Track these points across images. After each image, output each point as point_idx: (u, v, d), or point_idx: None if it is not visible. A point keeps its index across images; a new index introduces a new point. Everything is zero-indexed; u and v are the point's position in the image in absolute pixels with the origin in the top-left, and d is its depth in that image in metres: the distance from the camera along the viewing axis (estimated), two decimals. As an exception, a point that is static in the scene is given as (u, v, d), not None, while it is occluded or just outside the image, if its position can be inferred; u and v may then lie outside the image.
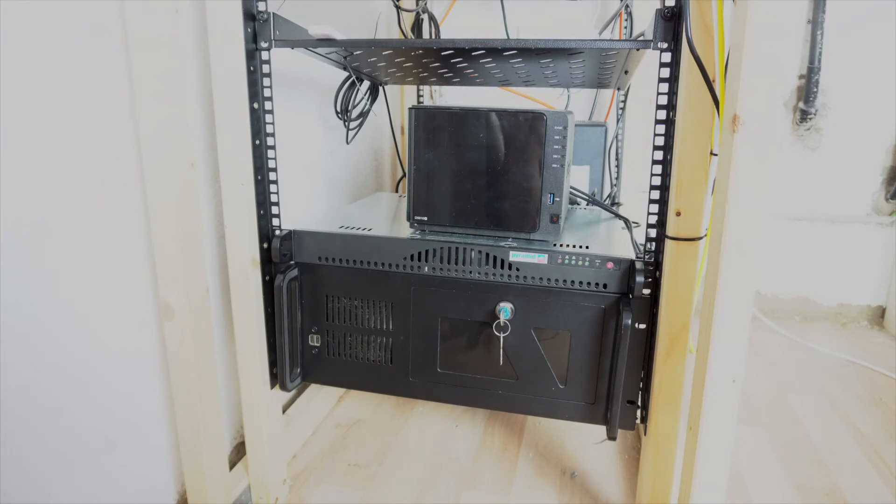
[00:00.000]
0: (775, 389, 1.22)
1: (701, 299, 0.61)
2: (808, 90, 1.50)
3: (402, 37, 1.15)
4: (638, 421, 0.75)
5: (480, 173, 0.75)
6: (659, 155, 0.66)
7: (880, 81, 1.49)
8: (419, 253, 0.76)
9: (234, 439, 0.90)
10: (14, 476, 0.56)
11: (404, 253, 0.77)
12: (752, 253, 0.55)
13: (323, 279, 0.80)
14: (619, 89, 1.16)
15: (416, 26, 1.22)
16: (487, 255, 0.74)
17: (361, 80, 1.05)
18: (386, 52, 0.76)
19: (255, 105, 0.71)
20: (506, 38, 0.69)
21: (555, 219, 0.74)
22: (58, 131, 0.57)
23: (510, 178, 0.74)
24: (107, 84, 0.62)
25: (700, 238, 0.63)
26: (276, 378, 0.81)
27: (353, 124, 1.08)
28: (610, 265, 0.71)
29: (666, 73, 0.64)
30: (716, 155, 0.59)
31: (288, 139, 0.96)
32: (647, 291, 0.69)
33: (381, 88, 1.14)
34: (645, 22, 0.87)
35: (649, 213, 0.68)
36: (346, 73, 0.99)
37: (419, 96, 1.45)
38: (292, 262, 0.80)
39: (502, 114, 0.73)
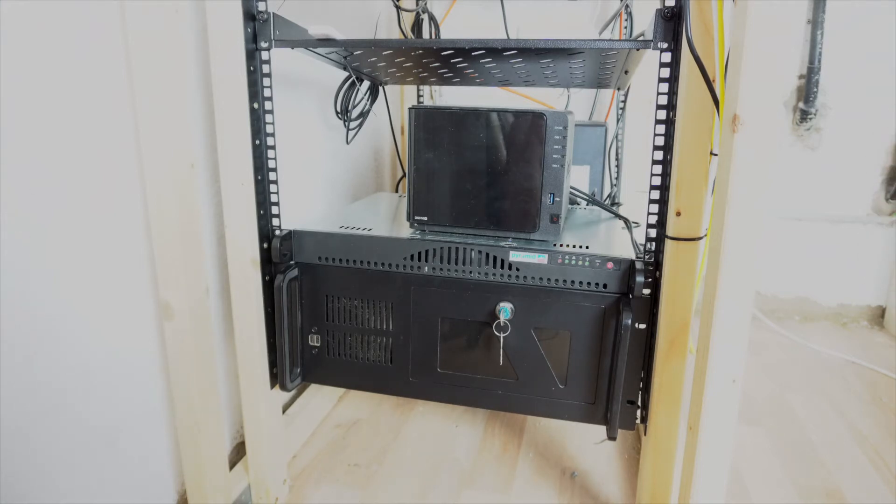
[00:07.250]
0: (775, 389, 1.22)
1: (701, 299, 0.61)
2: (808, 90, 1.50)
3: (402, 37, 1.15)
4: (638, 421, 0.75)
5: (480, 173, 0.75)
6: (659, 155, 0.66)
7: (880, 81, 1.49)
8: (419, 253, 0.76)
9: (234, 439, 0.90)
10: (14, 476, 0.56)
11: (404, 253, 0.77)
12: (752, 253, 0.55)
13: (323, 279, 0.80)
14: (619, 89, 1.16)
15: (416, 26, 1.22)
16: (487, 255, 0.74)
17: (361, 80, 1.05)
18: (386, 52, 0.76)
19: (255, 105, 0.71)
20: (506, 38, 0.69)
21: (555, 219, 0.74)
22: (58, 131, 0.57)
23: (510, 178, 0.74)
24: (107, 84, 0.62)
25: (700, 238, 0.63)
26: (276, 378, 0.81)
27: (353, 124, 1.08)
28: (610, 265, 0.71)
29: (666, 73, 0.64)
30: (716, 155, 0.59)
31: (288, 139, 0.96)
32: (647, 291, 0.69)
33: (381, 88, 1.14)
34: (645, 22, 0.87)
35: (649, 213, 0.68)
36: (346, 73, 0.99)
37: (419, 96, 1.45)
38: (292, 262, 0.80)
39: (502, 114, 0.73)
